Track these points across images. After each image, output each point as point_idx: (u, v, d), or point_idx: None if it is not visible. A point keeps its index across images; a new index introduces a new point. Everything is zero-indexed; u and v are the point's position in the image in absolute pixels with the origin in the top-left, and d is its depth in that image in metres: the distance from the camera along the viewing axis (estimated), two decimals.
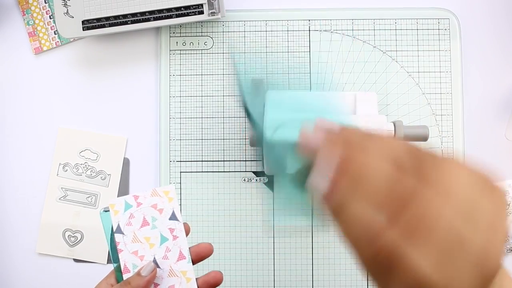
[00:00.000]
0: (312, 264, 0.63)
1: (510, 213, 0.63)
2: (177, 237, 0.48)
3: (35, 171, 0.65)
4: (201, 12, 0.61)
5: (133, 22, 0.61)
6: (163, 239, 0.48)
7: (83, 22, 0.61)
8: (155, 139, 0.64)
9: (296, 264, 0.63)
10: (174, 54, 0.64)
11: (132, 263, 0.47)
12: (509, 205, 0.63)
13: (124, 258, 0.47)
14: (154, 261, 0.47)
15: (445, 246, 0.28)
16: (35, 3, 0.65)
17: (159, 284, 0.47)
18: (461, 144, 0.63)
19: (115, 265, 0.47)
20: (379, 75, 0.64)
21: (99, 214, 0.48)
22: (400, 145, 0.32)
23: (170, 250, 0.48)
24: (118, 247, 0.47)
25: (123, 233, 0.47)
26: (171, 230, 0.48)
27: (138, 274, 0.45)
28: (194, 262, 0.47)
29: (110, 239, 0.47)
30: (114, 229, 0.47)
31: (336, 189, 0.32)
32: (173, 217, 0.49)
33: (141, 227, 0.48)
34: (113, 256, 0.47)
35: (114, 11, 0.60)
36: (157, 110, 0.65)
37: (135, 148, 0.65)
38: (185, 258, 0.47)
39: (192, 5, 0.60)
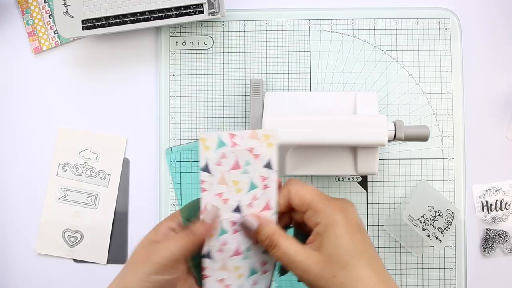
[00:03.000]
0: None
1: (510, 213, 0.63)
2: (268, 187, 0.43)
3: (35, 171, 0.64)
4: (201, 12, 0.60)
5: (132, 21, 0.61)
6: (252, 187, 0.43)
7: (82, 21, 0.61)
8: (155, 139, 0.64)
9: None
10: (174, 53, 0.64)
11: (213, 205, 0.43)
12: (509, 205, 0.63)
13: (207, 199, 0.43)
14: (237, 208, 0.43)
15: None
16: (34, 3, 0.65)
17: (236, 223, 0.43)
18: (462, 144, 0.63)
19: (181, 208, 0.44)
20: (379, 75, 0.63)
21: (165, 152, 0.44)
22: None
23: (257, 199, 0.43)
24: (203, 186, 0.43)
25: (210, 173, 0.43)
26: (263, 178, 0.43)
27: (201, 221, 0.42)
28: None
29: (176, 181, 0.44)
30: (201, 166, 0.43)
31: None
32: (268, 165, 0.43)
33: (232, 169, 0.43)
34: (180, 199, 0.44)
35: (113, 10, 0.60)
36: (157, 110, 0.64)
37: (135, 148, 0.65)
38: (270, 209, 0.43)
39: (192, 5, 0.60)
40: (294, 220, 0.45)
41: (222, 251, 0.44)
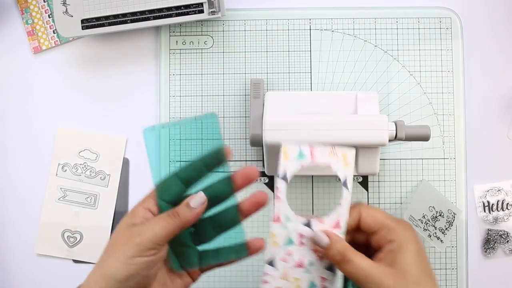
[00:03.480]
0: None
1: (511, 214, 0.63)
2: (341, 205, 0.45)
3: (34, 171, 0.64)
4: (201, 11, 0.60)
5: (132, 21, 0.60)
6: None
7: (82, 21, 0.60)
8: None
9: None
10: (174, 53, 0.64)
11: (285, 215, 0.44)
12: (511, 205, 0.63)
13: (280, 208, 0.44)
14: (308, 223, 0.44)
15: None
16: (34, 2, 0.65)
17: (303, 236, 0.44)
18: (463, 144, 0.62)
19: (156, 185, 0.44)
20: (380, 75, 0.63)
21: (143, 131, 0.44)
22: None
23: (328, 216, 0.44)
24: (279, 194, 0.44)
25: (287, 181, 0.44)
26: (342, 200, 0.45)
27: (186, 205, 0.42)
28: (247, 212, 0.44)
29: (152, 159, 0.44)
30: (280, 175, 0.44)
31: None
32: (344, 184, 0.45)
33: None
34: (156, 178, 0.44)
35: (113, 10, 0.60)
36: (157, 110, 0.64)
37: (134, 148, 0.64)
38: (340, 228, 0.44)
39: (192, 4, 0.60)
40: (355, 241, 0.46)
41: (286, 260, 0.45)
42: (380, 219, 0.45)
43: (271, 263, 0.45)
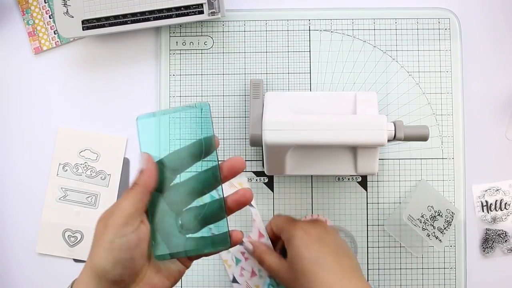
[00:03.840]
0: None
1: (510, 213, 0.63)
2: (254, 220, 0.58)
3: (35, 171, 0.64)
4: (201, 12, 0.61)
5: (133, 22, 0.61)
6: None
7: (83, 22, 0.61)
8: None
9: None
10: (174, 54, 0.64)
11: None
12: (509, 205, 0.63)
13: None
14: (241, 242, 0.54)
15: None
16: (34, 3, 0.65)
17: (244, 252, 0.58)
18: (461, 144, 0.63)
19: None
20: (379, 75, 0.64)
21: (136, 120, 0.45)
22: None
23: (251, 231, 0.59)
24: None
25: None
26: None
27: (139, 170, 0.43)
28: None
29: (144, 147, 0.45)
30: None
31: None
32: (250, 204, 0.59)
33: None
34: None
35: (114, 11, 0.60)
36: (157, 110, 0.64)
37: (135, 148, 0.65)
38: (263, 237, 0.57)
39: (192, 5, 0.60)
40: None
41: (242, 275, 0.58)
42: (279, 224, 0.55)
43: (234, 281, 0.58)
